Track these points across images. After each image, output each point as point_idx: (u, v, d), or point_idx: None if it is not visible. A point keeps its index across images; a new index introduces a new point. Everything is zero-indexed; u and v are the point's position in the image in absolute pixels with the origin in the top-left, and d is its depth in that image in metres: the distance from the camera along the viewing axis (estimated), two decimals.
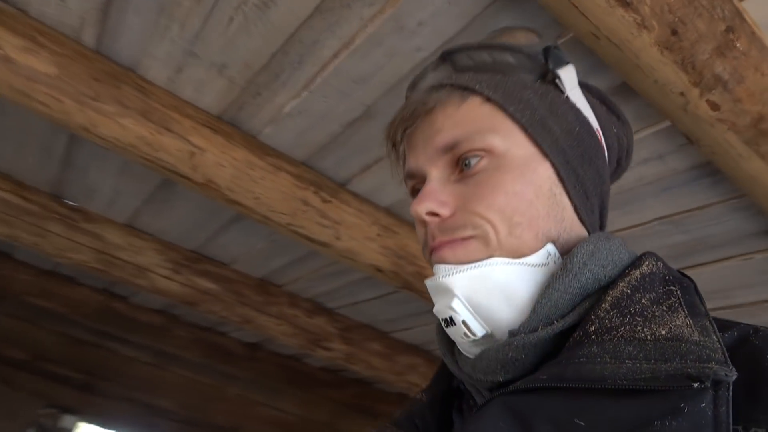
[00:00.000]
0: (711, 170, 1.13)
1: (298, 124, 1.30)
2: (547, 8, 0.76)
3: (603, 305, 0.47)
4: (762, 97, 0.77)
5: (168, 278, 2.00)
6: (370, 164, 1.39)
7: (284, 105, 1.25)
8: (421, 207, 0.54)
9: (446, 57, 0.61)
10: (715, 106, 0.78)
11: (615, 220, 1.37)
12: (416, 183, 0.60)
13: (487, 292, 0.51)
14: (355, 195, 1.48)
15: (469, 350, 0.54)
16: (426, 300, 1.66)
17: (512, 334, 0.50)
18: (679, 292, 0.47)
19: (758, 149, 0.84)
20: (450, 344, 0.58)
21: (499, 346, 0.50)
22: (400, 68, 1.09)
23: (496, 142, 0.54)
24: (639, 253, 0.54)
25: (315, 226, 1.41)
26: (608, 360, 0.43)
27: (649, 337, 0.43)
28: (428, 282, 0.56)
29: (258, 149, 1.35)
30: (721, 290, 1.54)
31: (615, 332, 0.45)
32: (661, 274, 0.50)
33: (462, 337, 0.53)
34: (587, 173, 0.57)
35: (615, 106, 0.63)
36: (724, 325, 0.45)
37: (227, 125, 1.33)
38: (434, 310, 0.55)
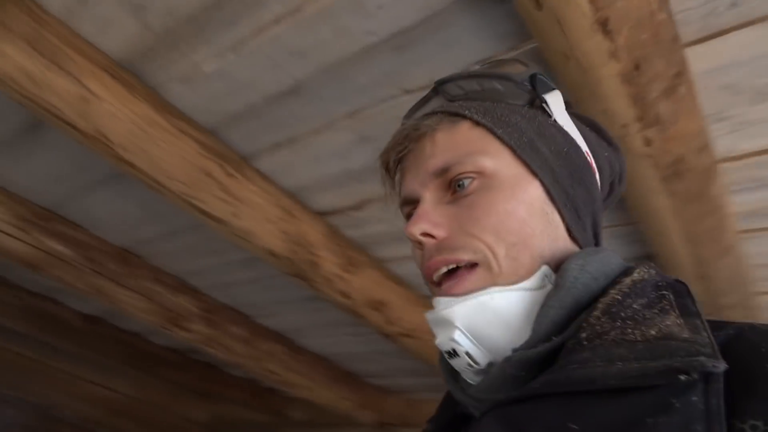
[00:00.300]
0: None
1: (214, 88, 1.19)
2: (529, 21, 0.77)
3: (595, 312, 0.48)
4: (686, 140, 0.86)
5: (11, 236, 1.72)
6: (282, 143, 1.31)
7: (203, 64, 1.13)
8: (416, 228, 0.55)
9: (438, 88, 0.64)
10: (648, 142, 0.85)
11: None
12: (412, 209, 0.61)
13: (487, 320, 0.52)
14: (261, 173, 1.39)
15: (474, 379, 0.55)
16: (311, 289, 1.62)
17: (513, 352, 0.50)
18: (671, 296, 0.47)
19: (670, 187, 0.93)
20: (453, 372, 0.59)
21: (499, 365, 0.51)
22: (345, 49, 1.04)
23: (487, 163, 0.56)
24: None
25: (214, 200, 1.30)
26: (599, 363, 0.43)
27: (639, 338, 0.43)
28: (429, 315, 0.57)
29: (162, 107, 1.21)
30: None
31: (606, 336, 0.45)
32: (654, 281, 0.51)
33: (466, 368, 0.54)
34: (577, 192, 0.58)
35: (605, 132, 0.65)
36: (719, 326, 0.46)
37: (130, 74, 1.17)
38: (437, 342, 0.56)
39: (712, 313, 1.33)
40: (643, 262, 0.54)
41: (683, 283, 0.49)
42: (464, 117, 0.58)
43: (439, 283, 0.56)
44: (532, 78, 0.61)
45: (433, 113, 0.60)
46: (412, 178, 0.59)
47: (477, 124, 0.58)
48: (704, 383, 0.39)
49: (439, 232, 0.55)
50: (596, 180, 0.61)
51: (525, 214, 0.54)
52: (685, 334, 0.42)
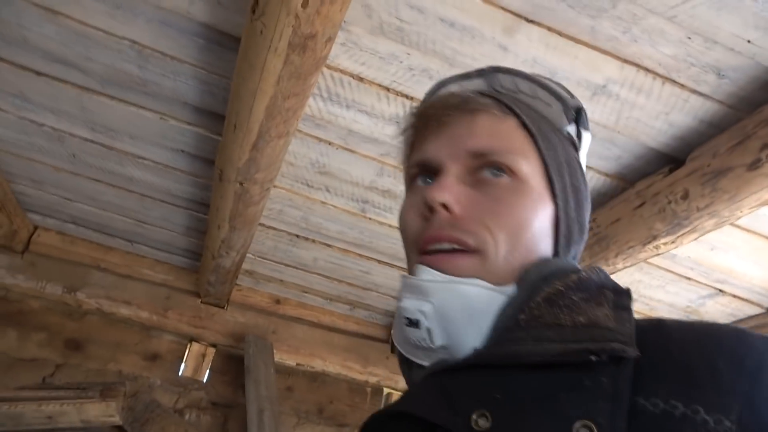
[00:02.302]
0: (225, 40, 1.24)
1: None
2: None
3: (536, 299, 0.51)
4: (327, 24, 0.97)
5: None
6: None
7: None
8: (440, 195, 0.54)
9: (490, 73, 0.64)
10: (305, 3, 0.92)
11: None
12: (422, 172, 0.60)
13: (460, 310, 0.52)
14: None
15: (414, 353, 0.55)
16: None
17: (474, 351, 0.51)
18: (611, 294, 0.50)
19: (291, 56, 1.03)
20: (408, 360, 0.58)
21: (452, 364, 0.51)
22: None
23: (524, 167, 0.57)
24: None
25: None
26: (530, 342, 0.47)
27: (568, 323, 0.47)
28: (407, 278, 0.56)
29: None
30: (115, 129, 1.62)
31: (540, 320, 0.49)
32: (600, 281, 0.54)
33: (419, 341, 0.54)
34: (575, 228, 0.61)
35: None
36: (651, 321, 0.49)
37: None
38: (400, 305, 0.55)
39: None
40: (598, 267, 0.57)
41: (628, 290, 0.52)
42: (516, 115, 0.59)
43: (427, 252, 0.56)
44: (579, 110, 0.64)
45: (484, 94, 0.61)
46: (440, 146, 0.59)
47: (524, 126, 0.59)
48: (615, 366, 0.42)
49: (457, 209, 0.55)
50: (587, 224, 0.64)
51: (536, 230, 0.56)
52: (610, 324, 0.46)
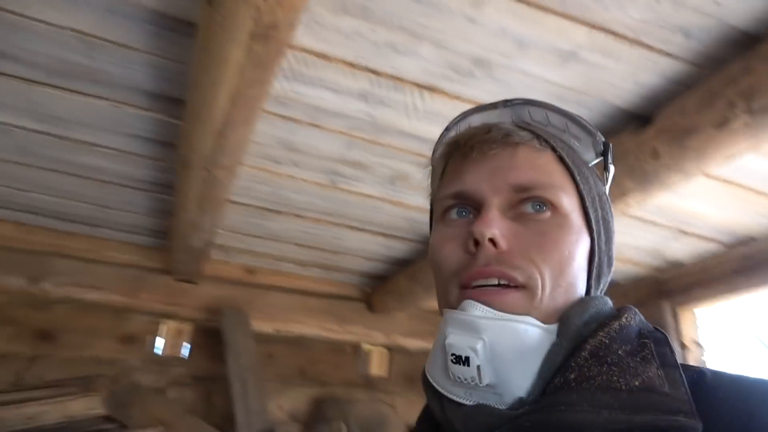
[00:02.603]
0: (177, 25, 1.16)
1: None
2: None
3: (582, 353, 0.49)
4: (289, 12, 0.91)
5: None
6: None
7: None
8: (489, 231, 0.53)
9: (522, 104, 0.64)
10: None
11: None
12: (459, 204, 0.59)
13: (512, 348, 0.51)
14: None
15: (453, 390, 0.53)
16: None
17: (521, 404, 0.50)
18: (652, 345, 0.50)
19: (253, 45, 0.97)
20: (438, 393, 0.56)
21: (501, 415, 0.49)
22: None
23: (565, 202, 0.57)
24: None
25: None
26: (587, 408, 0.45)
27: (623, 387, 0.46)
28: (454, 314, 0.54)
29: None
30: (66, 119, 1.53)
31: (593, 381, 0.47)
32: (638, 327, 0.53)
33: (466, 380, 0.52)
34: (604, 261, 0.61)
35: None
36: (684, 368, 0.49)
37: None
38: (448, 341, 0.53)
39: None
40: (629, 308, 0.56)
41: (663, 333, 0.53)
42: (552, 148, 0.59)
43: (471, 287, 0.54)
44: (606, 144, 0.64)
45: (522, 128, 0.60)
46: (481, 179, 0.58)
47: (561, 160, 0.59)
48: None
49: (503, 244, 0.54)
50: (614, 257, 0.64)
51: (578, 265, 0.56)
52: (666, 389, 0.45)
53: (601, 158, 0.64)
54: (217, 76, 1.09)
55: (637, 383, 0.46)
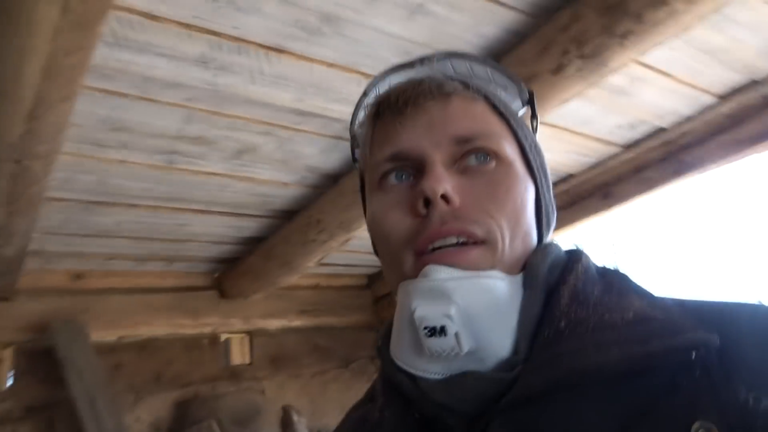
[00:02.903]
0: None
1: None
2: None
3: (562, 300, 0.48)
4: None
5: None
6: None
7: None
8: (440, 186, 0.50)
9: (443, 58, 0.61)
10: None
11: None
12: (397, 167, 0.55)
13: (486, 306, 0.48)
14: None
15: (432, 369, 0.48)
16: None
17: (509, 365, 0.47)
18: (617, 281, 0.51)
19: (67, 3, 0.79)
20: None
21: (492, 378, 0.46)
22: None
23: (508, 150, 0.55)
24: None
25: None
26: (592, 350, 0.42)
27: (619, 322, 0.44)
28: (415, 283, 0.49)
29: None
30: None
31: (587, 323, 0.45)
32: (595, 266, 0.54)
33: (445, 351, 0.47)
34: (550, 209, 0.60)
35: None
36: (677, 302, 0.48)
37: None
38: (417, 314, 0.47)
39: None
40: (580, 250, 0.56)
41: (616, 268, 0.53)
42: (485, 98, 0.57)
43: (428, 252, 0.50)
44: (531, 92, 0.62)
45: (453, 79, 0.58)
46: (418, 135, 0.54)
47: (494, 109, 0.57)
48: (702, 359, 0.40)
49: (457, 199, 0.51)
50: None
51: (529, 213, 0.55)
52: (659, 315, 0.44)
53: (528, 106, 0.63)
54: (22, 42, 0.89)
55: (630, 316, 0.44)
